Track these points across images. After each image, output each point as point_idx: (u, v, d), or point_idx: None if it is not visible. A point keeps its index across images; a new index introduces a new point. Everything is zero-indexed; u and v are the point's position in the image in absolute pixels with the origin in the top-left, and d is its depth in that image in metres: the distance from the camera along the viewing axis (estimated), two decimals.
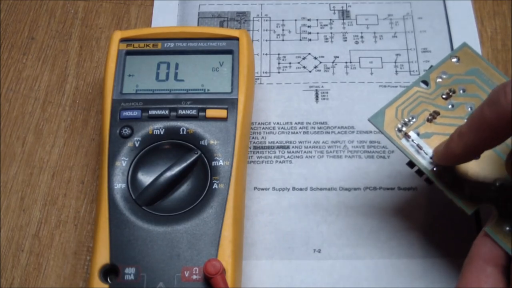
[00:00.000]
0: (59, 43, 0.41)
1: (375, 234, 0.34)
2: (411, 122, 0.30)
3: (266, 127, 0.37)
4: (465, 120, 0.29)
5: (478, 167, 0.29)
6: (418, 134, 0.30)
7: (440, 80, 0.31)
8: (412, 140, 0.29)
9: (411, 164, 0.30)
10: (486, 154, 0.29)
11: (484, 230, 0.27)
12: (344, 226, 0.34)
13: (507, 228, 0.27)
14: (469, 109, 0.30)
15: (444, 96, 0.30)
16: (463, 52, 0.32)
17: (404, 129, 0.30)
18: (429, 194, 0.35)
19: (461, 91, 0.30)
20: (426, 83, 0.31)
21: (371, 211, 0.34)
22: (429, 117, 0.30)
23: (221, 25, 0.41)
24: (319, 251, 0.33)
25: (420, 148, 0.29)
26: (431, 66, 0.31)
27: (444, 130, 0.30)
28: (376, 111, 0.30)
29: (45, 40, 0.41)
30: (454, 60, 0.31)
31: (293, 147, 0.36)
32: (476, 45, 0.39)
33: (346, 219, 0.34)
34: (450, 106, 0.30)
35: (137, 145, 0.32)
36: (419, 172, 0.30)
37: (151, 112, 0.33)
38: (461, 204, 0.28)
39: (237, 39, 0.35)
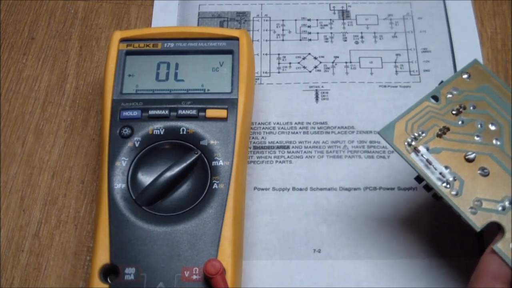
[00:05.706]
0: (59, 43, 0.41)
1: (375, 234, 0.34)
2: (421, 137, 0.29)
3: (266, 127, 0.37)
4: (475, 137, 0.29)
5: (487, 184, 0.28)
6: (427, 149, 0.29)
7: (450, 95, 0.30)
8: (422, 155, 0.29)
9: (419, 179, 0.29)
10: (496, 172, 0.29)
11: (492, 247, 0.27)
12: (344, 226, 0.34)
13: None
14: (479, 126, 0.30)
15: (454, 112, 0.30)
16: (473, 69, 0.31)
17: (413, 143, 0.29)
18: (429, 194, 0.35)
19: (471, 108, 0.30)
20: (436, 98, 0.30)
21: (371, 211, 0.34)
22: (439, 132, 0.30)
23: (221, 25, 0.41)
24: (319, 251, 0.33)
25: (430, 163, 0.29)
26: (442, 82, 0.31)
27: (453, 146, 0.29)
28: (387, 122, 0.30)
29: (45, 40, 0.41)
30: (465, 76, 0.31)
31: (293, 147, 0.36)
32: (476, 45, 0.39)
33: (346, 219, 0.34)
34: (460, 122, 0.30)
35: (137, 145, 0.32)
36: (427, 188, 0.29)
37: (151, 112, 0.33)
38: (469, 220, 0.28)
39: (237, 39, 0.35)
